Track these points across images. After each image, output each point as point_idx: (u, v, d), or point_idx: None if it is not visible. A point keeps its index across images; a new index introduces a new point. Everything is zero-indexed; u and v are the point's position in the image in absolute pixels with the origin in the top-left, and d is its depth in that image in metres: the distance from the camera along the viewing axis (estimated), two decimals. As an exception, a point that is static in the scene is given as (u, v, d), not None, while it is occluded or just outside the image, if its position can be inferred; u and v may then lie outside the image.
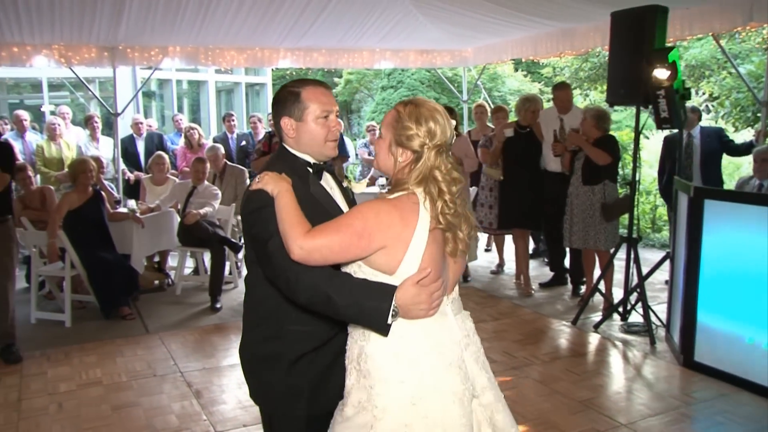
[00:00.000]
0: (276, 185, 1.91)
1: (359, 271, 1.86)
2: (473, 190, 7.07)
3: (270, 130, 7.44)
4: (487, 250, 8.09)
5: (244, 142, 8.59)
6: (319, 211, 1.99)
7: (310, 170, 2.11)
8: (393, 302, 1.78)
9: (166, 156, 7.34)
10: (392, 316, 1.78)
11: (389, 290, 1.80)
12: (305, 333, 2.03)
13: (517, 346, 4.90)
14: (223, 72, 14.13)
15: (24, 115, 7.91)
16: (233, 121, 8.67)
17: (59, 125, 7.62)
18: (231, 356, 4.84)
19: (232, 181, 7.06)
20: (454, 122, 7.61)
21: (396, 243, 1.81)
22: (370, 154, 9.10)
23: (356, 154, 9.76)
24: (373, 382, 1.84)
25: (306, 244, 1.77)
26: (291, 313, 2.00)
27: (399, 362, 1.82)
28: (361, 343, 1.89)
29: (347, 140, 9.27)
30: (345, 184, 2.30)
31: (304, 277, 1.82)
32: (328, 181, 2.18)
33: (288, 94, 2.08)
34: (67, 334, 5.36)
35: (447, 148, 1.92)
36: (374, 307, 1.79)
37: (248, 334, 2.14)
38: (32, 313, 5.64)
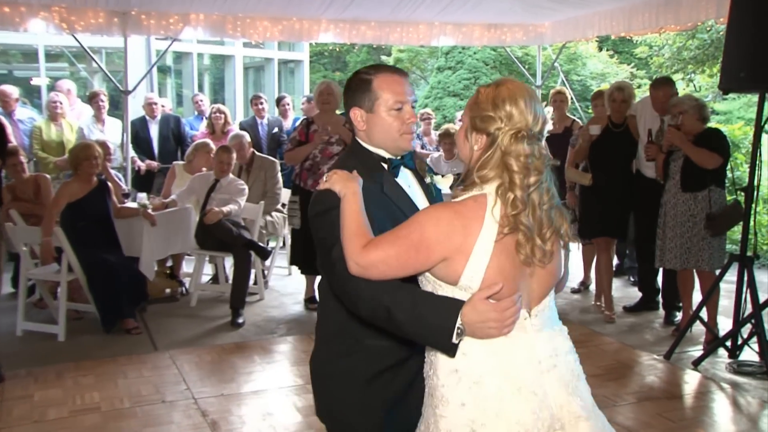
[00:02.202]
0: (343, 186, 2.04)
1: (425, 280, 1.99)
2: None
3: (306, 116, 7.42)
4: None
5: (276, 129, 8.63)
6: (393, 213, 2.13)
7: (385, 166, 2.25)
8: (459, 320, 1.85)
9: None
10: (458, 334, 1.85)
11: (455, 306, 1.86)
12: (383, 348, 2.17)
13: (596, 382, 4.67)
14: (253, 46, 14.24)
15: (11, 91, 7.76)
16: (263, 104, 8.72)
17: (61, 103, 7.72)
18: (254, 381, 4.81)
19: (261, 175, 7.07)
20: (549, 108, 7.58)
21: (456, 254, 1.89)
22: (423, 147, 9.04)
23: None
24: (437, 402, 1.95)
25: (362, 259, 1.90)
26: (366, 327, 2.11)
27: (460, 381, 1.91)
28: (431, 357, 2.01)
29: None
30: (427, 180, 2.43)
31: (365, 289, 1.93)
32: (406, 178, 2.32)
33: (359, 82, 2.23)
34: (60, 349, 5.39)
35: (532, 136, 1.95)
36: (438, 325, 1.86)
37: (321, 348, 2.30)
38: (19, 323, 5.69)
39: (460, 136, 2.06)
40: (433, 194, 2.40)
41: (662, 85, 6.04)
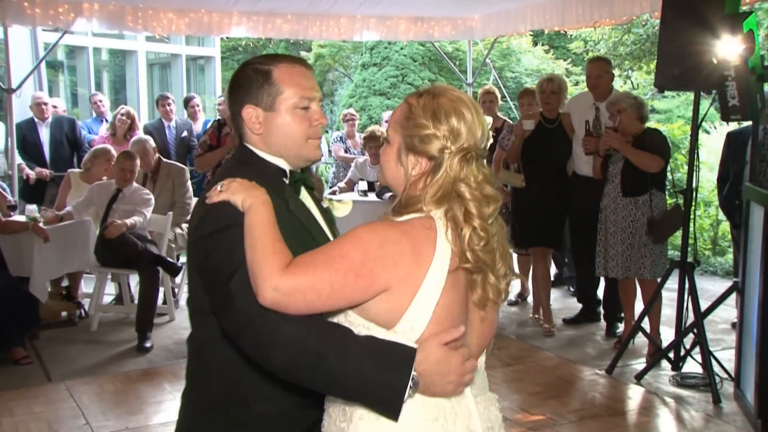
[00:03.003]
0: (248, 195, 1.78)
1: (347, 320, 1.74)
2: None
3: (219, 117, 7.36)
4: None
5: (185, 133, 8.54)
6: (303, 238, 1.88)
7: (286, 180, 2.00)
8: (413, 371, 1.66)
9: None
10: (410, 391, 1.67)
11: (408, 354, 1.67)
12: (278, 416, 1.90)
13: (535, 401, 4.85)
14: (158, 40, 14.03)
15: None
16: (170, 105, 8.62)
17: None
18: (164, 411, 4.72)
19: (168, 183, 6.97)
20: (489, 119, 7.67)
21: (402, 286, 1.70)
22: (347, 150, 9.05)
23: (329, 151, 9.71)
24: None
25: (284, 283, 1.63)
26: (260, 386, 1.85)
27: None
28: (341, 425, 1.77)
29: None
30: (325, 204, 2.20)
31: (285, 327, 1.65)
32: (306, 199, 2.07)
33: (253, 74, 1.96)
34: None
35: (479, 154, 1.82)
36: (386, 380, 1.66)
37: (192, 418, 1.98)
38: None
39: (390, 158, 1.85)
40: (333, 220, 2.16)
41: (597, 60, 6.25)
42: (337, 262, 1.66)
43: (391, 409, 1.67)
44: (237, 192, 1.78)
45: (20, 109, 8.40)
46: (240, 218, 1.74)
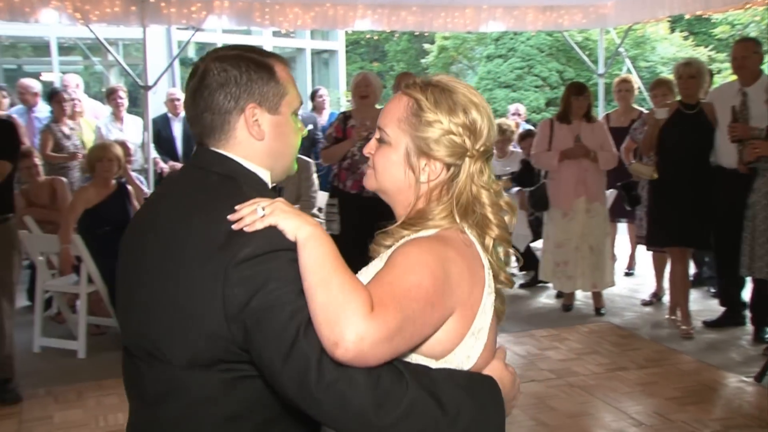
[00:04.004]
0: (300, 222, 1.42)
1: None
2: (612, 192, 6.90)
3: (345, 110, 7.45)
4: (628, 274, 7.87)
5: (311, 126, 8.66)
6: None
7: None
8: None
9: None
10: None
11: (490, 382, 1.54)
12: None
13: (673, 406, 4.67)
14: (284, 35, 14.39)
15: (32, 85, 8.06)
16: (296, 98, 8.75)
17: (79, 101, 7.88)
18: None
19: (294, 177, 7.00)
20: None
21: (463, 311, 1.51)
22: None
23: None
24: None
25: (373, 329, 1.30)
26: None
27: None
28: None
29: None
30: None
31: (386, 374, 1.36)
32: None
33: (255, 67, 1.63)
34: (81, 367, 5.48)
35: (491, 156, 1.67)
36: (496, 413, 1.52)
37: None
38: (36, 339, 5.80)
39: (391, 162, 1.63)
40: None
41: (744, 41, 5.95)
42: (414, 293, 1.39)
43: None
44: (287, 217, 1.44)
45: (155, 105, 8.79)
46: (288, 244, 1.42)
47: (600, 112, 9.04)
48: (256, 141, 1.64)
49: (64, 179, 6.91)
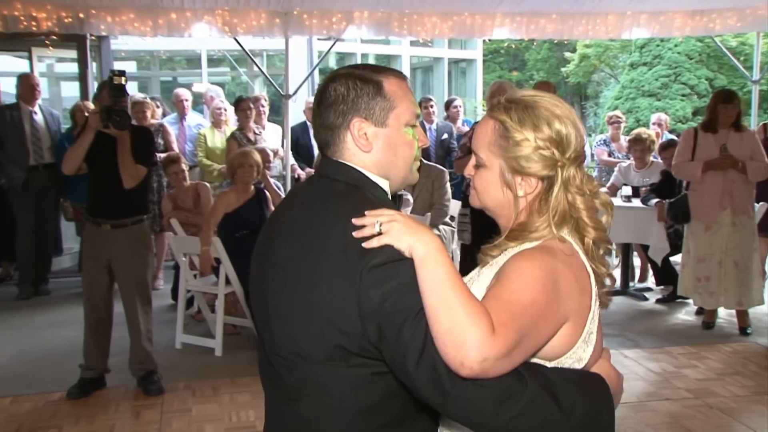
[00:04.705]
0: (419, 239, 1.49)
1: None
2: (762, 206, 6.60)
3: (478, 119, 7.47)
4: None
5: (445, 135, 8.72)
6: None
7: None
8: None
9: None
10: None
11: (600, 381, 1.65)
12: None
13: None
14: (421, 44, 14.53)
15: (184, 94, 8.62)
16: (432, 107, 8.87)
17: (225, 110, 8.27)
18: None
19: (427, 185, 7.13)
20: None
21: (575, 319, 1.61)
22: (611, 154, 8.83)
23: (592, 155, 9.51)
24: None
25: (496, 350, 1.39)
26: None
27: None
28: None
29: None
30: None
31: (513, 381, 1.48)
32: None
33: (361, 84, 1.73)
34: (217, 364, 5.74)
35: (583, 159, 1.72)
36: (606, 407, 1.64)
37: None
38: (178, 336, 6.09)
39: (490, 183, 1.72)
40: None
41: None
42: (530, 310, 1.48)
43: None
44: (401, 237, 1.50)
45: (295, 114, 9.08)
46: (403, 254, 1.51)
47: (753, 121, 8.63)
48: (364, 153, 1.74)
49: (207, 184, 7.25)
